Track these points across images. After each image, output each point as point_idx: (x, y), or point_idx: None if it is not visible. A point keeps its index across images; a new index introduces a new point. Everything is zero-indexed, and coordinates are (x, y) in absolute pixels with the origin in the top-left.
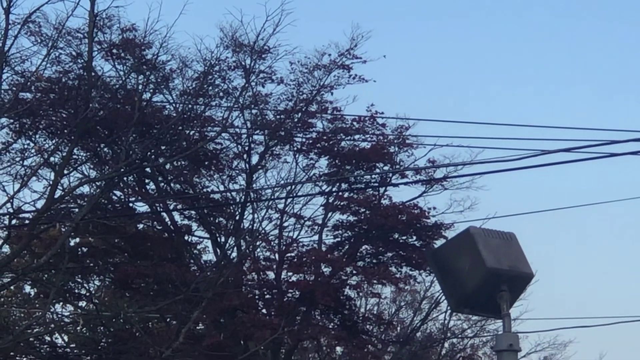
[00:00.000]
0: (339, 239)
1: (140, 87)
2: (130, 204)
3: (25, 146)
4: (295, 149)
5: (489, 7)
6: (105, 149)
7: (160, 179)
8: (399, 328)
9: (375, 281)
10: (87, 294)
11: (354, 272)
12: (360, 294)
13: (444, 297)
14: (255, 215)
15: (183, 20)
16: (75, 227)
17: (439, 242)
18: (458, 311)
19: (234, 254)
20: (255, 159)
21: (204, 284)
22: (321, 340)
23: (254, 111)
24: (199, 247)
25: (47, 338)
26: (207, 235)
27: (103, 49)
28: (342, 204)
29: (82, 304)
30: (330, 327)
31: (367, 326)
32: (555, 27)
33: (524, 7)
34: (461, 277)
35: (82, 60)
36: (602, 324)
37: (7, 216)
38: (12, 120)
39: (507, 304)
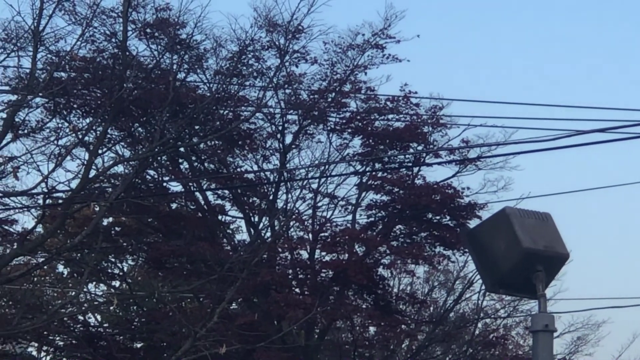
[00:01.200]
0: (372, 219)
1: (174, 66)
2: (164, 184)
3: (60, 125)
4: (329, 128)
5: None
6: (139, 129)
7: (194, 158)
8: (432, 308)
9: (408, 260)
10: (121, 274)
11: (388, 251)
12: (394, 273)
13: (477, 278)
14: (289, 195)
15: None
16: (109, 206)
17: (472, 222)
18: (493, 291)
19: (268, 234)
20: (289, 138)
21: (238, 263)
22: (354, 320)
23: (287, 91)
24: (232, 226)
25: (80, 317)
26: (240, 214)
27: (137, 29)
28: (375, 183)
29: (116, 283)
30: (363, 306)
31: (401, 306)
32: (590, 5)
33: None
34: (497, 257)
35: (116, 40)
36: (636, 304)
37: (42, 196)
38: (46, 100)
39: (542, 284)
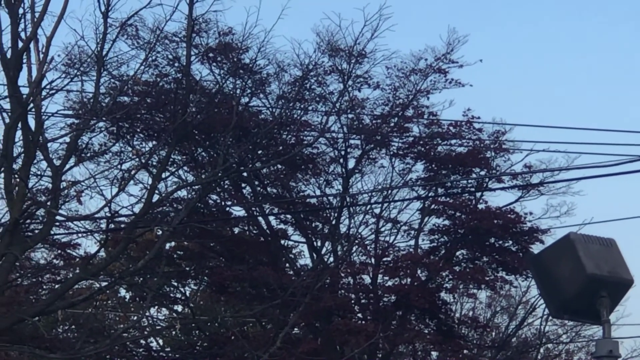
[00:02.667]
0: (435, 244)
1: (237, 91)
2: (227, 208)
3: (123, 149)
4: (391, 153)
5: (585, 11)
6: (202, 153)
7: (256, 183)
8: (494, 333)
9: (471, 285)
10: (183, 298)
11: (450, 276)
12: (456, 297)
13: (540, 302)
14: (352, 220)
15: (280, 24)
16: (172, 231)
17: (535, 247)
18: (558, 317)
19: (330, 259)
20: (351, 163)
21: (300, 288)
22: (417, 345)
23: (350, 116)
24: (294, 251)
25: (142, 342)
26: (303, 239)
27: (200, 53)
28: (438, 208)
29: (178, 307)
30: (425, 331)
31: (463, 330)
32: None
33: (617, 11)
34: (561, 282)
35: (179, 64)
36: None
37: (105, 220)
38: (109, 124)
39: (607, 310)
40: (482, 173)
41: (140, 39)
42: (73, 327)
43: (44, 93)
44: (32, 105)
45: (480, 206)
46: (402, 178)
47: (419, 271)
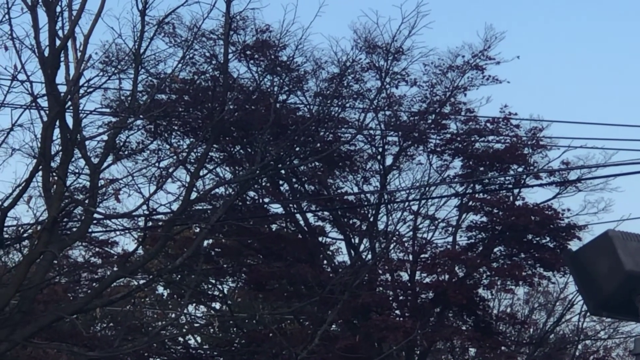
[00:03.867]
0: (472, 240)
1: (275, 88)
2: (265, 205)
3: (160, 147)
4: (429, 150)
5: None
6: (240, 150)
7: (294, 180)
8: (532, 329)
9: (508, 281)
10: (221, 295)
11: (488, 272)
12: (493, 294)
13: (578, 299)
14: (390, 217)
15: (317, 21)
16: (210, 228)
17: (573, 244)
18: (596, 314)
19: (368, 256)
20: (389, 160)
21: (339, 285)
22: (455, 341)
23: (387, 113)
24: (331, 248)
25: (180, 339)
26: (341, 236)
27: (237, 50)
28: (475, 204)
29: (216, 305)
30: (463, 328)
31: (501, 327)
32: None
33: None
34: (599, 280)
35: (216, 61)
36: None
37: (143, 218)
38: (147, 122)
39: None
40: (520, 170)
41: (178, 36)
42: (111, 324)
43: (81, 91)
44: (69, 103)
45: (517, 203)
46: (440, 175)
47: (456, 268)
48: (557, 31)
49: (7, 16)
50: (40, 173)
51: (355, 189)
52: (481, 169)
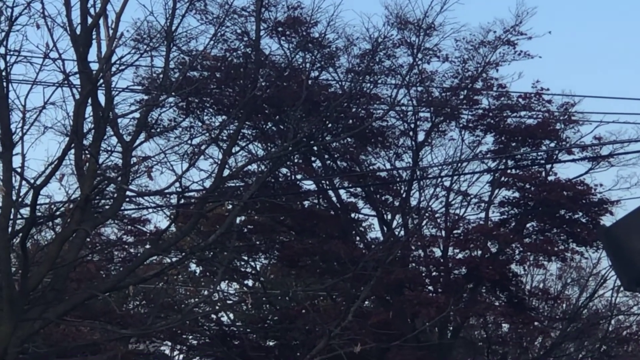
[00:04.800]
0: (505, 216)
1: (307, 65)
2: (297, 182)
3: (192, 124)
4: (461, 125)
5: None
6: (272, 127)
7: (326, 156)
8: (565, 305)
9: (541, 257)
10: (253, 272)
11: (520, 248)
12: (526, 269)
13: (611, 274)
14: (422, 193)
15: None
16: (243, 205)
17: (605, 219)
18: (630, 290)
19: (401, 232)
20: (421, 136)
21: (371, 261)
22: (487, 317)
23: (419, 88)
24: (364, 224)
25: (213, 316)
26: (373, 212)
27: (269, 27)
28: (508, 180)
29: (248, 282)
30: (496, 303)
31: (534, 302)
32: None
33: None
34: (634, 255)
35: (248, 38)
36: None
37: (176, 195)
38: (179, 99)
39: None
40: (552, 145)
41: (209, 14)
42: (144, 302)
43: (113, 69)
44: (101, 81)
45: (550, 178)
46: (472, 151)
47: (489, 243)
48: (589, 5)
49: None
50: (72, 151)
51: (388, 165)
52: (513, 144)
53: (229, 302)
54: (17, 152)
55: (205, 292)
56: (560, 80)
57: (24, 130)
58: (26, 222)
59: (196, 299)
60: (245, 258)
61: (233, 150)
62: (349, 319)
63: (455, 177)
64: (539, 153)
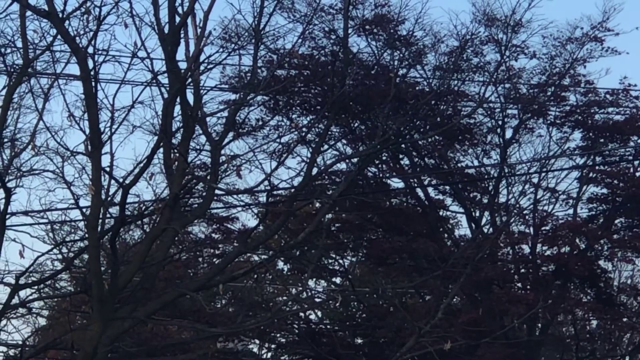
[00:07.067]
0: (593, 212)
1: (395, 62)
2: (385, 180)
3: (280, 123)
4: (548, 122)
5: None
6: (360, 126)
7: (414, 154)
8: None
9: (629, 252)
10: (342, 270)
11: (609, 244)
12: (614, 265)
13: None
14: (510, 190)
15: None
16: (331, 203)
17: None
18: None
19: (489, 229)
20: (509, 133)
21: (461, 259)
22: (576, 314)
23: (507, 85)
24: (451, 221)
25: (302, 314)
26: (461, 210)
27: (356, 25)
28: (596, 176)
29: (336, 280)
30: (585, 300)
31: (622, 298)
32: None
33: None
34: None
35: (335, 36)
36: None
37: (264, 194)
38: (267, 98)
39: None
40: None
41: (297, 11)
42: (232, 301)
43: (201, 68)
44: (190, 80)
45: (638, 174)
46: (560, 147)
47: (577, 240)
48: None
49: None
50: (161, 150)
51: (476, 162)
52: (601, 140)
53: (317, 300)
54: (106, 151)
55: (294, 291)
56: None
57: (113, 130)
58: (115, 222)
59: (285, 297)
60: (334, 256)
61: (321, 149)
62: (438, 317)
63: (543, 174)
64: (627, 149)
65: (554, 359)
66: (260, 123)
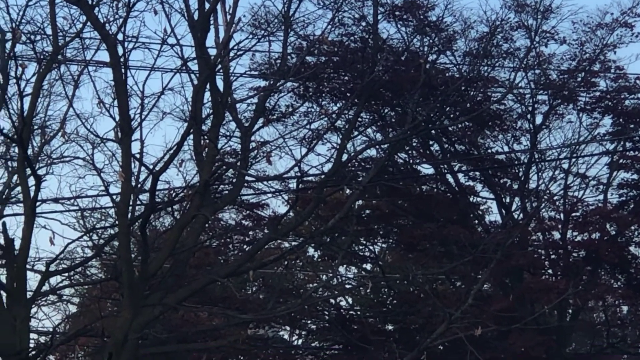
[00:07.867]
0: (624, 198)
1: (425, 49)
2: (415, 166)
3: (310, 110)
4: (578, 108)
5: None
6: (390, 112)
7: (444, 140)
8: None
9: None
10: (372, 256)
11: (639, 230)
12: None
13: None
14: (541, 176)
15: None
16: (361, 190)
17: None
18: None
19: (519, 215)
20: (539, 119)
21: (491, 245)
22: (607, 300)
23: (537, 71)
24: (481, 207)
25: (332, 301)
26: (491, 196)
27: (386, 11)
28: (626, 162)
29: (367, 266)
30: (615, 286)
31: None
32: None
33: None
34: None
35: (365, 23)
36: None
37: (295, 180)
38: (297, 84)
39: None
40: None
41: None
42: (263, 287)
43: (231, 54)
44: (220, 66)
45: None
46: (590, 133)
47: (608, 226)
48: None
49: None
50: (191, 136)
51: (506, 148)
52: (632, 126)
53: (348, 286)
54: (136, 138)
55: (325, 277)
56: None
57: (143, 116)
58: (146, 208)
59: (315, 284)
60: (364, 242)
61: (351, 135)
62: (469, 303)
63: (573, 160)
64: None
65: (584, 345)
66: (290, 109)
